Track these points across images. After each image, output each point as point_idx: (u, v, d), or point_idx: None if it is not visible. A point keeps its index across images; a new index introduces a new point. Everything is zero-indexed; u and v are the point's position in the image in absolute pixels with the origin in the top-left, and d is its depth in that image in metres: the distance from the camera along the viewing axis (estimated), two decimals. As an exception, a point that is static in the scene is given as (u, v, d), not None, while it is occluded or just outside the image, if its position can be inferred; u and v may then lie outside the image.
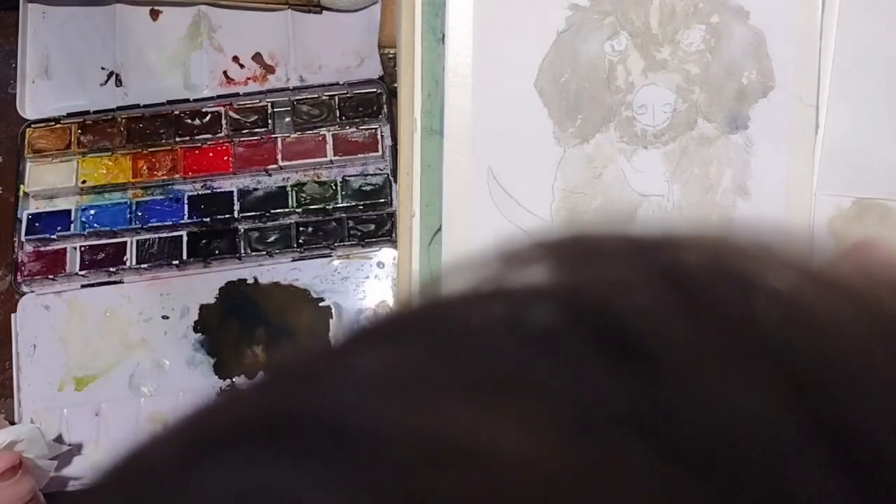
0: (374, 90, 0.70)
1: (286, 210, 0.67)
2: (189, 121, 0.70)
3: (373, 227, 0.67)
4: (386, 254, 0.67)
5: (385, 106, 0.69)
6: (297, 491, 0.12)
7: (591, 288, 0.14)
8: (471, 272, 0.16)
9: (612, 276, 0.15)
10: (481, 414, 0.12)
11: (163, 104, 0.70)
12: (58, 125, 0.70)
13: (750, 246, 0.16)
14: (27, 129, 0.70)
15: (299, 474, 0.12)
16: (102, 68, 0.72)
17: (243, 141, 0.69)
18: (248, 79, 0.72)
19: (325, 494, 0.12)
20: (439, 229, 0.52)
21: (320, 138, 0.69)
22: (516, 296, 0.15)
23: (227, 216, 0.67)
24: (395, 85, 0.56)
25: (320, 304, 0.66)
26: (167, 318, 0.66)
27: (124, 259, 0.67)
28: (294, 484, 0.12)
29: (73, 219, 0.68)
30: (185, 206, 0.68)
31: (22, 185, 0.69)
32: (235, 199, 0.68)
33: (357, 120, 0.69)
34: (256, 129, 0.69)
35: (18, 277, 0.67)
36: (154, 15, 0.73)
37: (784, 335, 0.13)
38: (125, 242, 0.67)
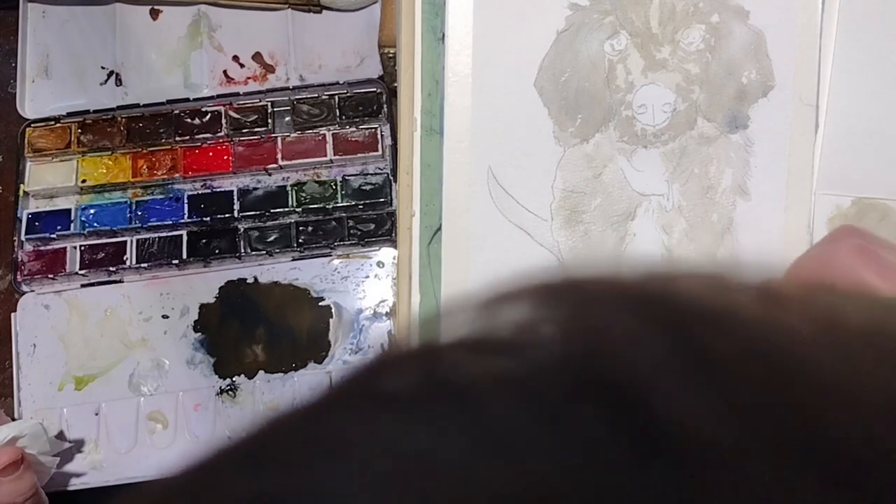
0: (374, 90, 0.70)
1: (286, 209, 0.67)
2: (189, 120, 0.70)
3: (373, 226, 0.67)
4: (386, 253, 0.67)
5: (385, 105, 0.69)
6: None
7: (600, 353, 0.14)
8: (467, 317, 0.15)
9: (618, 338, 0.14)
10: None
11: (163, 104, 0.70)
12: (58, 125, 0.70)
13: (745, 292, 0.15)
14: (27, 129, 0.70)
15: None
16: (102, 68, 0.72)
17: (243, 140, 0.69)
18: (248, 78, 0.72)
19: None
20: (439, 229, 0.52)
21: (320, 138, 0.69)
22: (523, 353, 0.14)
23: (227, 216, 0.67)
24: (395, 84, 0.56)
25: (320, 304, 0.66)
26: (167, 317, 0.66)
27: (124, 258, 0.67)
28: None
29: (73, 218, 0.68)
30: (185, 206, 0.68)
31: (22, 185, 0.69)
32: (235, 198, 0.68)
33: (357, 119, 0.69)
34: (256, 129, 0.69)
35: (18, 277, 0.67)
36: (154, 14, 0.73)
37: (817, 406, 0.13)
38: (125, 242, 0.67)
